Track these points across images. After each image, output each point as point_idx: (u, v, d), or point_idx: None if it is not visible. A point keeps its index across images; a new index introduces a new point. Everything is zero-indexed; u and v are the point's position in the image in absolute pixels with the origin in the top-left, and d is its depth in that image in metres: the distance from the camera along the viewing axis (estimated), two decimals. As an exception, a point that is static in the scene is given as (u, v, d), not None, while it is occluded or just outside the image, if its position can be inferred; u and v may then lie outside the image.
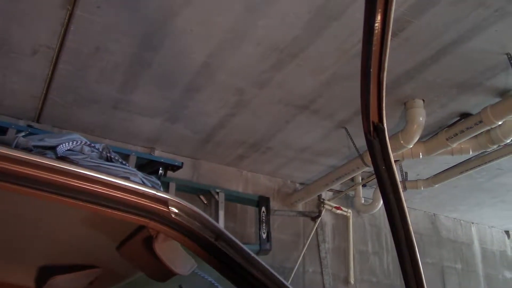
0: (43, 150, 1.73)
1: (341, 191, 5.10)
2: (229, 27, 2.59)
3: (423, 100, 3.26)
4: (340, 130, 3.77)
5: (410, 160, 3.80)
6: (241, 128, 3.80)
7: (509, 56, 2.77)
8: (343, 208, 5.13)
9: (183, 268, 1.21)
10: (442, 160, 4.14)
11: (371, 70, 0.93)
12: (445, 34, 2.61)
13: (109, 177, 0.90)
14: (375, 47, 0.91)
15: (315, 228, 4.92)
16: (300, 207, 4.96)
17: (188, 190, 4.17)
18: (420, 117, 3.23)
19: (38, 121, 3.68)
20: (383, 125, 1.01)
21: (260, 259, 1.08)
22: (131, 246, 1.18)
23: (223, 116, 3.61)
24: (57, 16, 2.54)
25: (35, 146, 1.76)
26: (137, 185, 0.94)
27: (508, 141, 3.31)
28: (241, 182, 4.65)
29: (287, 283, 1.09)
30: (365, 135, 1.04)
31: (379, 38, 0.90)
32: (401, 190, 1.03)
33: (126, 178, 1.07)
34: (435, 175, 4.43)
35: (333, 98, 3.30)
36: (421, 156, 3.65)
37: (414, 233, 1.03)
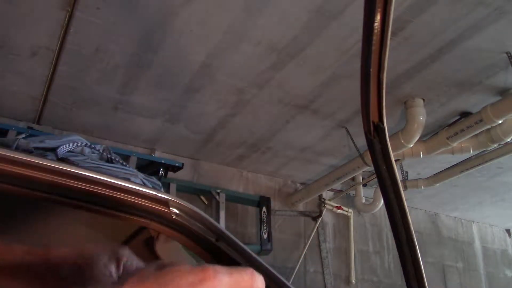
0: (43, 152, 1.73)
1: (342, 191, 5.10)
2: (228, 27, 2.59)
3: (423, 99, 3.26)
4: (341, 129, 3.77)
5: (411, 159, 3.80)
6: (241, 128, 3.80)
7: (508, 54, 2.77)
8: (344, 208, 5.13)
9: (184, 268, 1.21)
10: (443, 159, 4.14)
11: (371, 69, 0.93)
12: (445, 33, 2.61)
13: (110, 179, 0.90)
14: (375, 47, 0.91)
15: (316, 228, 4.92)
16: (301, 207, 4.96)
17: (188, 190, 4.17)
18: (420, 116, 3.23)
19: (38, 123, 3.69)
20: (383, 124, 1.01)
21: (261, 259, 1.08)
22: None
23: (223, 116, 3.61)
24: (56, 18, 2.54)
25: (35, 148, 1.76)
26: (137, 186, 0.94)
27: (508, 139, 3.31)
28: (241, 182, 4.65)
29: (289, 283, 1.09)
30: (365, 134, 1.04)
31: (379, 38, 0.90)
32: (401, 189, 1.03)
33: (127, 179, 1.07)
34: (436, 174, 4.43)
35: (333, 97, 3.30)
36: (421, 155, 3.65)
37: (415, 232, 1.02)
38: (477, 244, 6.29)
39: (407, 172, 4.60)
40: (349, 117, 3.57)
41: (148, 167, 3.74)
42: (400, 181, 1.05)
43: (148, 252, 1.12)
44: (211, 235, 1.01)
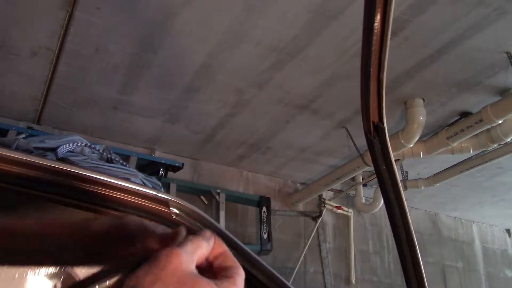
0: (43, 152, 1.73)
1: (342, 191, 5.10)
2: (228, 27, 2.59)
3: (423, 99, 3.26)
4: (340, 129, 3.77)
5: (411, 159, 3.80)
6: (241, 128, 3.80)
7: (509, 54, 2.77)
8: (344, 208, 5.13)
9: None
10: (443, 159, 4.14)
11: (371, 69, 0.93)
12: (445, 33, 2.61)
13: (110, 178, 0.90)
14: (375, 47, 0.91)
15: (316, 228, 4.92)
16: (301, 207, 4.96)
17: (188, 190, 4.17)
18: (420, 116, 3.23)
19: (38, 123, 3.69)
20: (383, 124, 1.01)
21: (261, 259, 1.08)
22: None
23: (223, 116, 3.61)
24: (56, 18, 2.54)
25: (35, 148, 1.77)
26: (137, 186, 0.94)
27: (508, 139, 3.31)
28: (241, 182, 4.65)
29: (289, 283, 1.09)
30: (365, 134, 1.04)
31: (379, 38, 0.90)
32: (401, 189, 1.03)
33: (127, 179, 1.07)
34: (436, 174, 4.43)
35: (333, 97, 3.30)
36: (421, 155, 3.65)
37: (415, 232, 1.02)
38: (477, 244, 6.29)
39: (407, 172, 4.60)
40: (349, 117, 3.57)
41: (148, 167, 3.74)
42: (400, 181, 1.05)
43: (148, 252, 1.11)
44: (211, 235, 1.01)
